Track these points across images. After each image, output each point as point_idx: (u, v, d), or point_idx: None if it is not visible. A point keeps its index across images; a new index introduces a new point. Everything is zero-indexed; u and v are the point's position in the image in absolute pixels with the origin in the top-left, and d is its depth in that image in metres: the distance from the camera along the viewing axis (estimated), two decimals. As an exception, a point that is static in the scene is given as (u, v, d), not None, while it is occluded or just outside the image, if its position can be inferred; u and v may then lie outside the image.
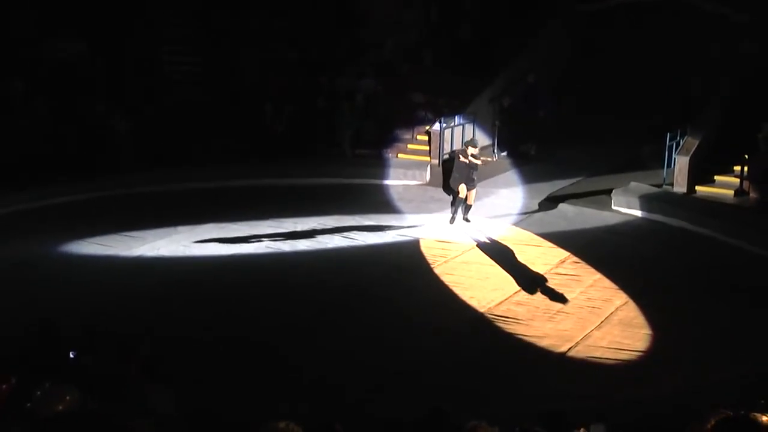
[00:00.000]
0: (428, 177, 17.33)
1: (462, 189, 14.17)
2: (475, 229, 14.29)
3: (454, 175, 14.35)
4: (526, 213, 15.20)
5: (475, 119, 18.05)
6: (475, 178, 14.25)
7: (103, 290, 11.27)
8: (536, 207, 15.42)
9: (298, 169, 17.30)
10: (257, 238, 13.61)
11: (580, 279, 12.23)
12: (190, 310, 10.90)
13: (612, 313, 11.12)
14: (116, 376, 6.10)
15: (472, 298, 11.49)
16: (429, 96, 18.66)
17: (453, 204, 14.42)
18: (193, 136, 17.63)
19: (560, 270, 12.56)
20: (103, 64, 18.28)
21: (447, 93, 18.47)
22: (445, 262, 12.80)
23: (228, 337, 10.15)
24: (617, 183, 15.91)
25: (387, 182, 17.23)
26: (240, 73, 19.28)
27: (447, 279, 12.11)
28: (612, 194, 15.45)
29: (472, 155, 14.13)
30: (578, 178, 16.81)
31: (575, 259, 12.92)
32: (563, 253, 13.15)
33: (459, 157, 14.39)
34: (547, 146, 18.12)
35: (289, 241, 13.52)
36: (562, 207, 15.43)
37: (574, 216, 15.07)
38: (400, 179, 17.31)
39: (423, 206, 15.66)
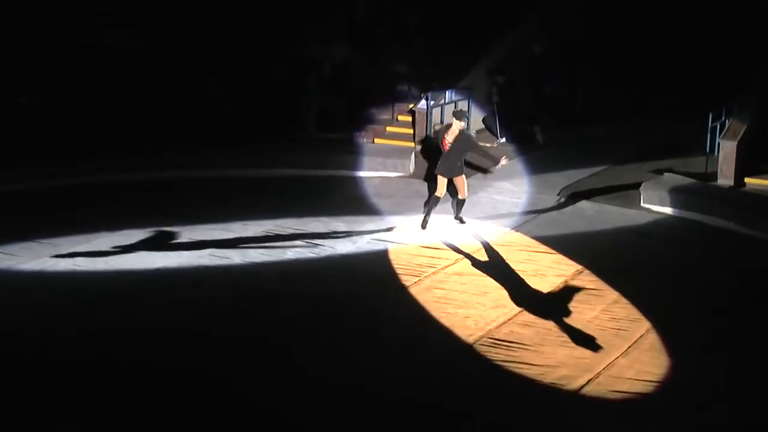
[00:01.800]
0: (412, 167, 17.41)
1: (441, 184, 14.01)
2: (470, 232, 14.24)
3: (440, 163, 14.20)
4: (533, 212, 15.16)
5: (470, 95, 18.06)
6: (461, 164, 14.07)
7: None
8: (546, 204, 15.45)
9: (249, 158, 17.33)
10: (198, 244, 13.44)
11: (602, 294, 12.12)
12: (109, 337, 10.68)
13: (641, 336, 11.04)
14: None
15: (467, 317, 11.39)
16: (413, 66, 18.82)
17: (427, 202, 14.30)
18: (119, 117, 17.72)
19: (576, 283, 12.48)
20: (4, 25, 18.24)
21: (436, 62, 18.66)
22: (433, 273, 12.66)
23: (165, 365, 10.01)
24: (646, 174, 16.05)
25: (361, 174, 17.30)
26: (178, 38, 19.42)
27: (436, 294, 12.02)
28: (641, 188, 15.54)
29: (460, 135, 13.84)
30: (598, 168, 17.00)
31: (595, 269, 12.87)
32: (580, 262, 13.10)
33: (443, 138, 14.11)
34: (559, 129, 18.11)
35: (238, 248, 13.33)
36: (579, 204, 15.52)
37: (593, 215, 15.10)
38: (377, 170, 17.39)
39: (405, 204, 15.58)
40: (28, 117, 17.20)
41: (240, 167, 17.05)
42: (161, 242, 13.58)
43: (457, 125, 13.89)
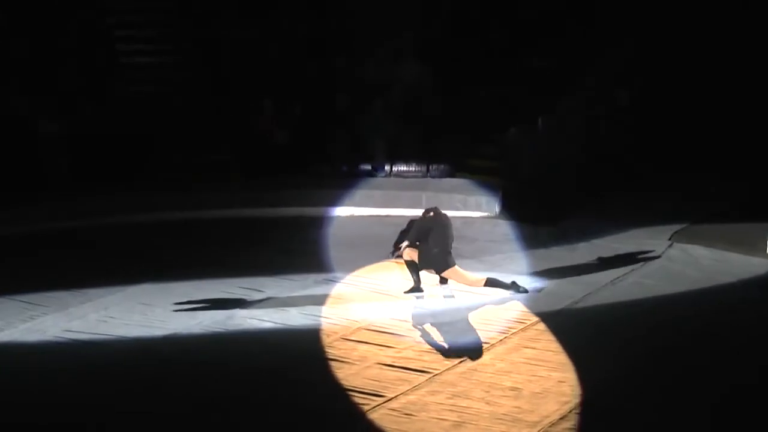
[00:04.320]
0: (497, 207, 17.42)
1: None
2: (565, 283, 14.01)
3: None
4: (640, 260, 14.93)
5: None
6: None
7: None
8: (655, 251, 15.31)
9: (306, 194, 17.78)
10: (218, 304, 13.10)
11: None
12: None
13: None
14: None
15: (562, 382, 11.07)
16: (501, 86, 18.64)
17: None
18: (154, 146, 18.27)
19: (692, 347, 12.05)
20: (26, 42, 18.53)
21: (528, 82, 18.51)
22: (522, 330, 12.40)
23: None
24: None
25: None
26: (223, 58, 19.74)
27: (525, 354, 11.70)
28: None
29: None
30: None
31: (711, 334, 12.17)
32: (695, 321, 12.58)
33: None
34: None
35: (266, 312, 12.82)
36: (693, 251, 15.31)
37: (710, 264, 14.85)
38: (458, 209, 17.16)
39: (490, 249, 15.53)
40: (49, 144, 17.52)
41: (293, 204, 17.62)
42: (168, 305, 13.12)
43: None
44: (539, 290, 13.56)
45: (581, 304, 13.21)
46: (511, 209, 17.27)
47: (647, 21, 19.78)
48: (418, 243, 13.13)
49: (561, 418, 9.92)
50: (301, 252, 15.47)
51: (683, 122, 19.52)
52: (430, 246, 13.02)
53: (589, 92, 18.80)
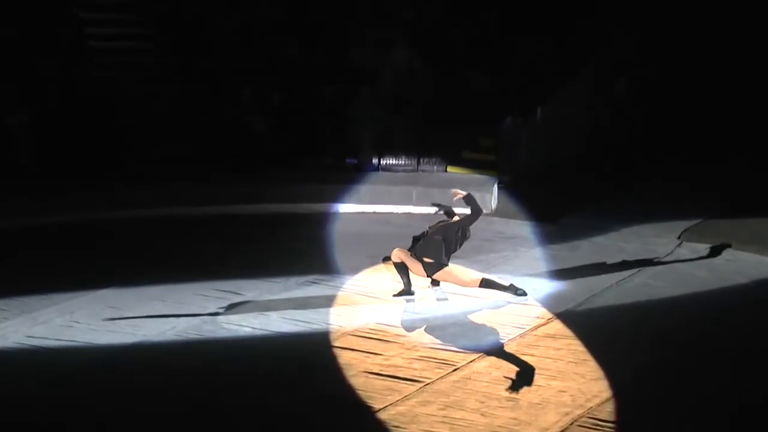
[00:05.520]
0: (494, 203, 17.39)
1: (415, 269, 13.27)
2: (566, 284, 14.04)
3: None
4: (646, 260, 14.98)
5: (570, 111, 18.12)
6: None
7: None
8: (662, 251, 15.38)
9: (287, 190, 17.84)
10: (189, 313, 12.98)
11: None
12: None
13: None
14: None
15: (562, 391, 11.10)
16: (497, 76, 18.72)
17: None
18: (128, 138, 18.43)
19: (700, 352, 11.97)
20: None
21: (526, 70, 18.63)
22: (520, 336, 12.37)
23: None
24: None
25: (426, 209, 17.01)
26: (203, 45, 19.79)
27: (525, 361, 11.68)
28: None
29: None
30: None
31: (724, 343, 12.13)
32: (708, 328, 12.59)
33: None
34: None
35: (244, 317, 12.78)
36: (704, 250, 15.30)
37: (723, 265, 14.86)
38: (450, 205, 16.99)
39: (484, 248, 15.51)
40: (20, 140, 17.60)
41: (271, 200, 17.64)
42: (134, 311, 13.07)
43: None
44: (538, 293, 13.58)
45: (583, 308, 13.21)
46: (508, 205, 17.29)
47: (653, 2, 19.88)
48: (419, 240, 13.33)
49: (562, 431, 9.96)
50: (283, 252, 15.45)
51: (692, 110, 19.69)
52: (433, 233, 13.18)
53: (591, 80, 18.82)
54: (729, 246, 15.38)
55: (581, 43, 18.95)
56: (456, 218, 13.46)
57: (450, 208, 13.80)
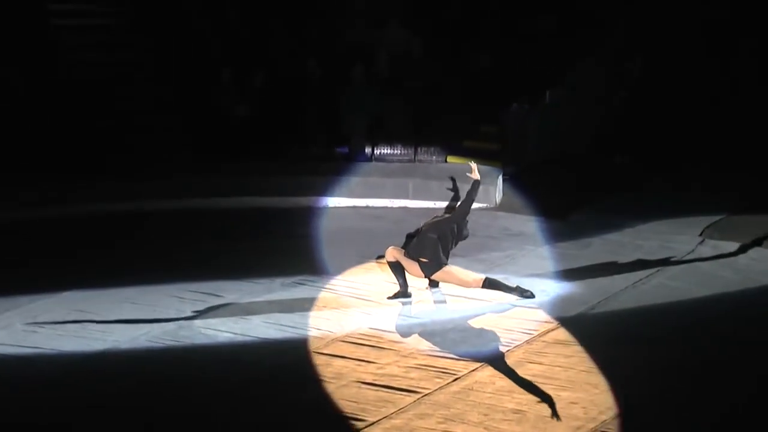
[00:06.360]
0: (498, 196, 17.36)
1: (412, 269, 13.25)
2: (577, 285, 13.99)
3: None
4: (665, 259, 14.98)
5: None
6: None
7: None
8: (683, 249, 15.38)
9: (270, 182, 17.80)
10: (163, 317, 12.91)
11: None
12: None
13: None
14: None
15: (573, 403, 10.96)
16: (502, 57, 18.73)
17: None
18: (93, 124, 18.39)
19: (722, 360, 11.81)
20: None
21: (532, 52, 18.76)
22: (527, 342, 12.22)
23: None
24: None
25: (426, 204, 17.30)
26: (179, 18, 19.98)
27: (531, 370, 11.51)
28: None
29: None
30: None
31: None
32: (731, 331, 12.46)
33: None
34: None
35: (223, 321, 12.72)
36: (722, 246, 15.36)
37: (747, 265, 14.80)
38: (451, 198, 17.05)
39: (488, 245, 15.48)
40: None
41: (258, 194, 17.68)
42: (96, 315, 12.97)
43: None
44: (546, 295, 13.58)
45: (596, 311, 13.20)
46: (514, 199, 17.30)
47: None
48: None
49: (571, 446, 9.88)
50: (266, 250, 15.42)
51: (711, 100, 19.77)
52: (426, 231, 13.16)
53: (604, 60, 18.76)
54: (759, 244, 15.45)
55: (593, 19, 18.84)
56: (447, 215, 13.61)
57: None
